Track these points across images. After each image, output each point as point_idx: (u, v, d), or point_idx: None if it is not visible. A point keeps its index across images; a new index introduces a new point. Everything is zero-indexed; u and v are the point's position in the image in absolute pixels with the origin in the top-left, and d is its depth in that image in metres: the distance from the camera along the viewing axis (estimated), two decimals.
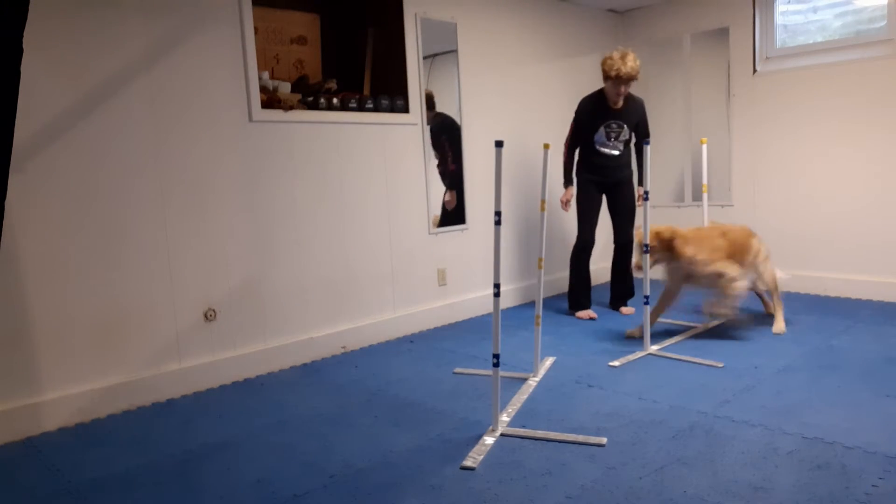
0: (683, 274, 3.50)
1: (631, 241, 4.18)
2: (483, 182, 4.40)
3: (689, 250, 3.41)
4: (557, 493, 2.02)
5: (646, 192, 3.31)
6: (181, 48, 3.07)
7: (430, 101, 4.14)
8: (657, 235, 3.45)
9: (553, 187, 4.34)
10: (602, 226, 4.30)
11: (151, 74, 2.99)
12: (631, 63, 3.87)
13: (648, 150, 3.33)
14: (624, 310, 4.32)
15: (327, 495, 2.08)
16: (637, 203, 4.23)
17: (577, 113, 4.16)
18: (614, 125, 4.09)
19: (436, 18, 4.10)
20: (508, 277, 4.61)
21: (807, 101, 4.46)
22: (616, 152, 4.14)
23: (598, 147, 4.13)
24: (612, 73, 3.88)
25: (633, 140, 4.21)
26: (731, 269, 3.40)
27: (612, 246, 4.36)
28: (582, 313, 4.22)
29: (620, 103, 4.06)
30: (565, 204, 4.18)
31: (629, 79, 3.91)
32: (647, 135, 4.21)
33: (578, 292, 4.26)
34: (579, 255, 4.23)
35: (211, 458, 2.41)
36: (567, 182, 4.19)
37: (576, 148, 4.20)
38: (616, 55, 3.89)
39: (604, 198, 4.26)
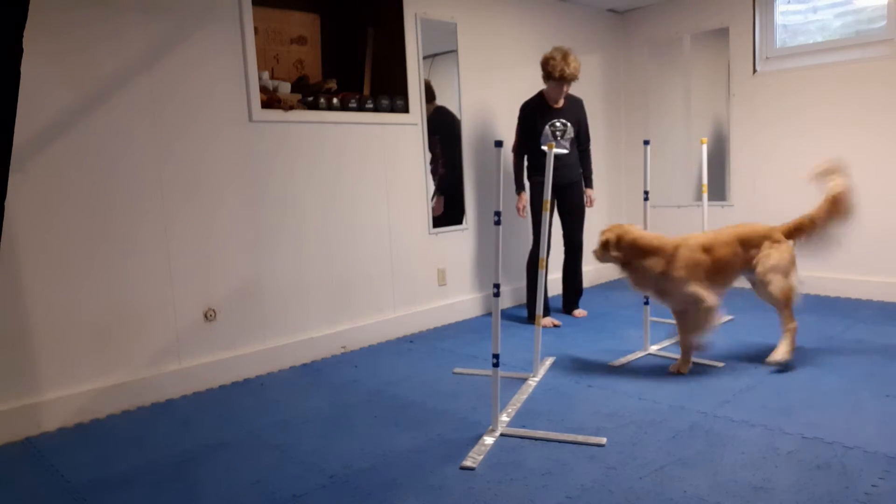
0: (653, 286, 3.06)
1: (581, 244, 4.20)
2: (482, 182, 4.40)
3: (658, 264, 2.98)
4: (557, 493, 2.02)
5: (646, 193, 3.31)
6: (181, 48, 3.07)
7: (429, 93, 4.12)
8: (618, 239, 3.03)
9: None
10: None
11: (151, 74, 2.99)
12: (574, 63, 3.86)
13: (649, 150, 3.33)
14: (576, 312, 4.30)
15: (327, 495, 2.08)
16: (587, 205, 4.21)
17: (520, 118, 4.10)
18: (558, 124, 4.05)
19: (436, 18, 4.10)
20: (508, 278, 4.60)
21: (807, 101, 4.46)
22: (564, 151, 4.08)
23: (545, 148, 4.00)
24: (556, 74, 3.85)
25: (578, 141, 4.15)
26: (708, 296, 2.96)
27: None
28: (544, 321, 4.06)
29: (561, 103, 4.04)
30: (521, 210, 4.10)
31: (572, 79, 3.90)
32: (588, 137, 4.19)
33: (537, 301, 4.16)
34: (536, 262, 3.86)
35: (210, 458, 2.41)
36: (519, 188, 4.10)
37: (524, 154, 4.11)
38: (558, 56, 3.85)
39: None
